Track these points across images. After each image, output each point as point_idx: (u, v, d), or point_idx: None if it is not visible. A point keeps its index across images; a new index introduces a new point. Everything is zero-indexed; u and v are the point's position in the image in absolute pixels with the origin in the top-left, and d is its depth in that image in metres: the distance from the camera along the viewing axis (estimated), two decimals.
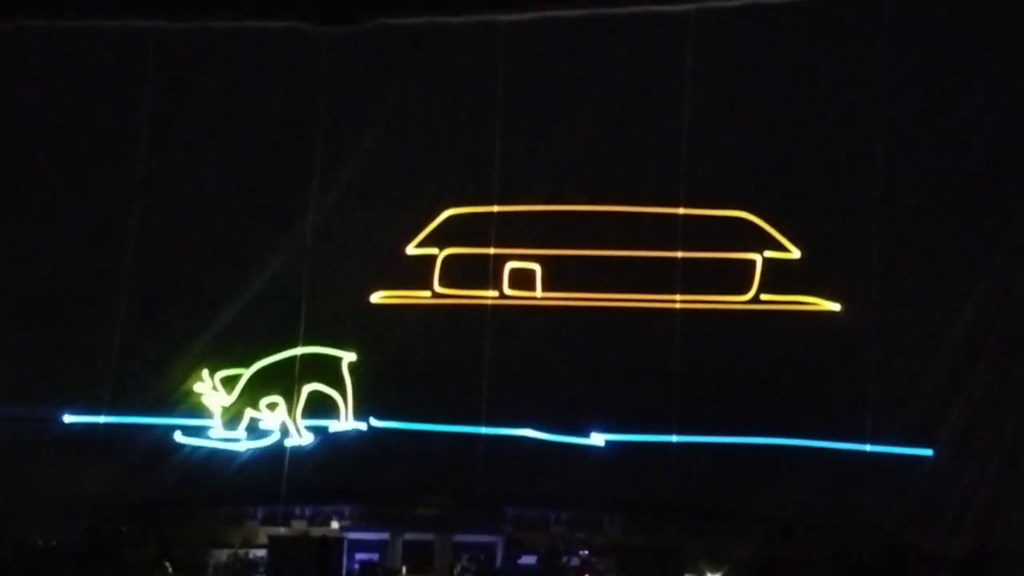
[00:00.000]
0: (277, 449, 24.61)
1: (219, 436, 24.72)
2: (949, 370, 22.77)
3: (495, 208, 24.85)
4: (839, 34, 23.79)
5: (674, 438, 23.58)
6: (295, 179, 25.20)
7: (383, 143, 25.02)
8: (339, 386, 24.81)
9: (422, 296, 24.95)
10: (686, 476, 23.23)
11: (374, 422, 24.65)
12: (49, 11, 25.24)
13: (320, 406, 24.81)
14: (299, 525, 24.57)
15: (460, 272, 24.89)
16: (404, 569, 23.97)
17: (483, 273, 24.74)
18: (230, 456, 24.69)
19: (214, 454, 24.72)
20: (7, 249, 25.44)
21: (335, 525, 24.60)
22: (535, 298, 24.63)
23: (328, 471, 24.42)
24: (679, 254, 24.17)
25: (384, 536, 24.50)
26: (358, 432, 24.68)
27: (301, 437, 24.59)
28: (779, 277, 23.86)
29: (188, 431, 24.80)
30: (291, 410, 24.70)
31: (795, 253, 23.94)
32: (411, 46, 25.28)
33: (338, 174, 25.08)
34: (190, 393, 24.81)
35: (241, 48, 25.58)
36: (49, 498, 23.78)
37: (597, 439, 23.86)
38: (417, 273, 24.97)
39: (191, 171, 25.50)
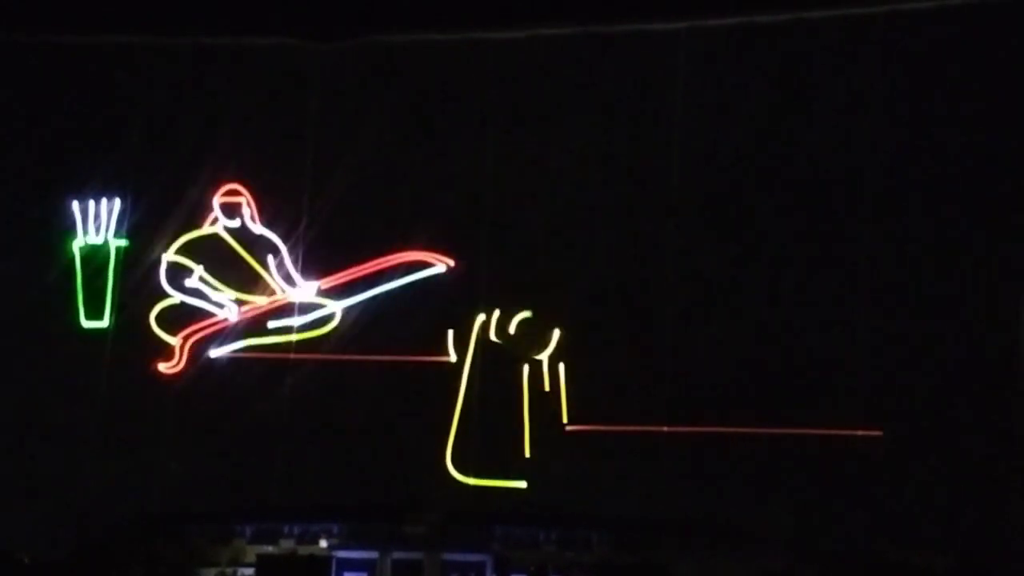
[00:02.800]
0: None
1: None
2: (938, 389, 22.88)
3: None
4: (829, 55, 23.98)
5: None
6: (285, 194, 25.17)
7: (373, 159, 25.02)
8: None
9: None
10: (676, 494, 23.24)
11: None
12: (42, 28, 25.24)
13: None
14: (287, 544, 24.36)
15: None
16: None
17: None
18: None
19: None
20: None
21: (323, 544, 24.38)
22: None
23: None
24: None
25: (373, 555, 24.26)
26: None
27: None
28: None
29: None
30: None
31: None
32: (401, 63, 25.34)
33: (328, 190, 25.03)
34: None
35: (230, 64, 25.61)
36: (35, 513, 23.60)
37: None
38: None
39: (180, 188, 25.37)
